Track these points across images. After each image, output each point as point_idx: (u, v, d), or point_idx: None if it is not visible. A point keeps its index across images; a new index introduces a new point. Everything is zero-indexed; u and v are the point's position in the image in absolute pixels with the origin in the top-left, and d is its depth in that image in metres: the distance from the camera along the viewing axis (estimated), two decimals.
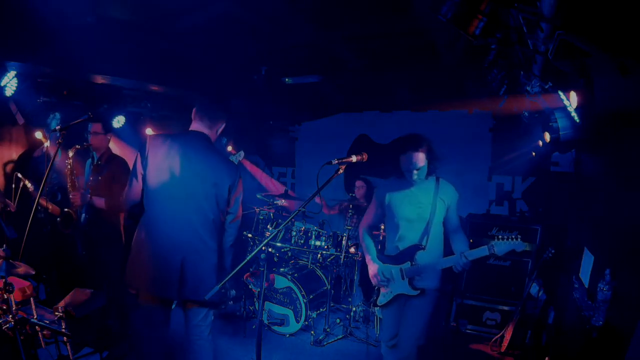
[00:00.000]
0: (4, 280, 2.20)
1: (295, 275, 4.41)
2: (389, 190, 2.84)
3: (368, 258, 2.90)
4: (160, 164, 2.44)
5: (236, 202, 2.63)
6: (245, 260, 2.18)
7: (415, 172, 2.64)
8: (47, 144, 4.19)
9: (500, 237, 2.65)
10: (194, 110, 2.64)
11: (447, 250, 2.81)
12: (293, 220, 4.30)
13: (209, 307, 2.63)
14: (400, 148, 2.67)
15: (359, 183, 5.44)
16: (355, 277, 4.73)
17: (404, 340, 2.75)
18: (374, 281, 2.87)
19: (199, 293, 2.44)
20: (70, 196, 3.57)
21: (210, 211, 2.52)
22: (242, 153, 4.30)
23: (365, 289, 4.95)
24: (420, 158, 2.61)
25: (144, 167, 2.46)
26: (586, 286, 2.85)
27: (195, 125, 2.61)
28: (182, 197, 2.45)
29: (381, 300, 2.89)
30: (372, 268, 2.84)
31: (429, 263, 2.69)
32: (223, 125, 2.70)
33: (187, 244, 2.46)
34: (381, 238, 4.63)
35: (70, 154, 3.52)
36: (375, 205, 2.95)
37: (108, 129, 3.75)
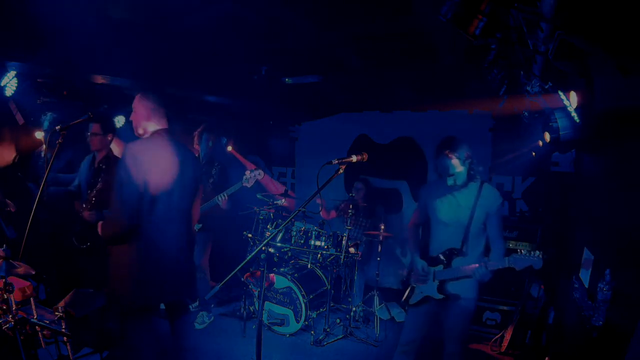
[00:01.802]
0: (4, 280, 2.19)
1: (295, 275, 4.41)
2: (430, 192, 2.87)
3: (412, 255, 2.95)
4: (156, 170, 2.34)
5: (199, 189, 2.71)
6: (245, 260, 2.18)
7: (449, 177, 2.65)
8: (45, 145, 4.19)
9: (523, 251, 2.53)
10: (149, 108, 2.48)
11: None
12: (293, 220, 4.30)
13: (187, 303, 2.69)
14: (435, 152, 2.70)
15: (358, 185, 5.44)
16: (355, 277, 4.73)
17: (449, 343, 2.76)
18: (414, 278, 2.87)
19: (186, 292, 2.51)
20: (85, 215, 3.55)
21: (187, 207, 2.55)
22: (261, 172, 4.04)
23: (366, 289, 4.95)
24: (455, 163, 2.61)
25: (139, 177, 2.26)
26: (586, 286, 2.85)
27: (162, 123, 2.52)
28: (174, 199, 2.43)
29: (413, 299, 2.89)
30: (415, 265, 2.87)
31: (454, 268, 2.68)
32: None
33: (177, 246, 2.46)
34: (381, 238, 4.63)
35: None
36: (419, 207, 3.00)
37: (108, 129, 3.67)
